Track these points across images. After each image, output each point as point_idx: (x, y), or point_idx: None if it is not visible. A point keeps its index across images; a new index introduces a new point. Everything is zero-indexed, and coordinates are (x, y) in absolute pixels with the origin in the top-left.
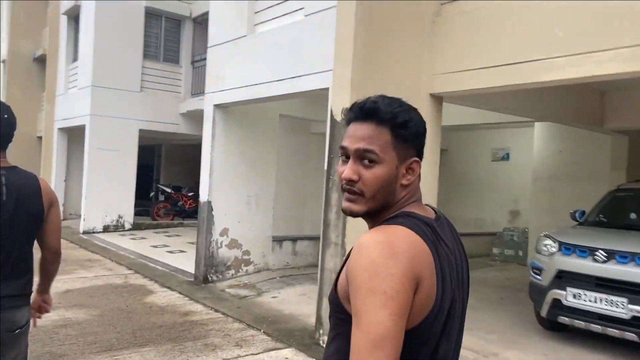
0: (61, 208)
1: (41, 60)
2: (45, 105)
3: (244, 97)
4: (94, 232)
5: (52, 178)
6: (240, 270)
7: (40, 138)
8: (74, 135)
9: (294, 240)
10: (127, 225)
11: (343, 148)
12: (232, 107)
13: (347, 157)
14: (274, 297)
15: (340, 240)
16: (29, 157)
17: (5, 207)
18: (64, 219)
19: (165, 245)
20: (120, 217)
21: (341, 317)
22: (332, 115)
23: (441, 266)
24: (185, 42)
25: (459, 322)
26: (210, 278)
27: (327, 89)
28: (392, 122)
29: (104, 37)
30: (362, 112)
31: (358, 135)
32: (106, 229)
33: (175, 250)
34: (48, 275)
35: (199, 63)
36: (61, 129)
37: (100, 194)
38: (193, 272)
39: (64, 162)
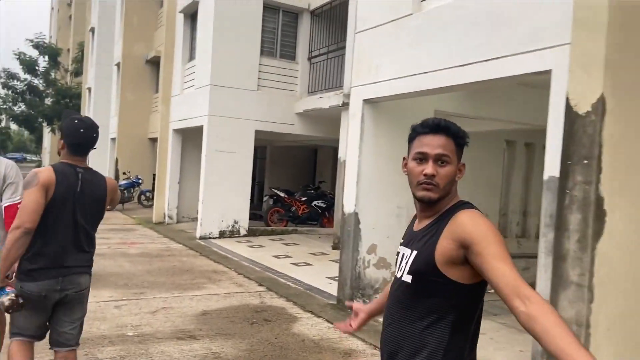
0: (175, 211)
1: (153, 62)
2: (160, 106)
3: (407, 89)
4: (210, 238)
5: (167, 180)
6: None
7: (151, 140)
8: (188, 137)
9: None
10: (242, 231)
11: (423, 153)
12: (383, 102)
13: (422, 160)
14: None
15: (586, 281)
16: (141, 159)
17: (79, 196)
18: (178, 222)
19: (287, 256)
20: (235, 222)
21: (439, 280)
22: (569, 106)
23: None
24: (302, 37)
25: None
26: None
27: (546, 72)
28: (456, 135)
29: (222, 34)
30: (437, 127)
31: (435, 144)
32: (222, 235)
33: (300, 263)
34: None
35: (316, 59)
36: (176, 130)
37: (216, 198)
38: (330, 291)
39: (178, 164)
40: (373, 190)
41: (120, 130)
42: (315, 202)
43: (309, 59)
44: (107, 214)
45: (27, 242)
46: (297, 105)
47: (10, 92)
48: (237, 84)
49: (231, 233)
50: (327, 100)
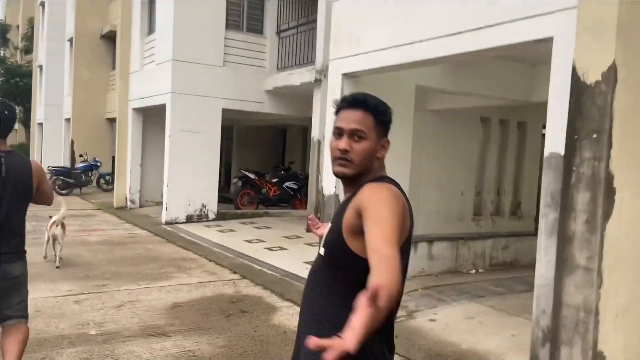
0: (137, 195)
1: (109, 38)
2: (118, 83)
3: (392, 61)
4: (176, 223)
5: (128, 162)
6: None
7: (109, 120)
8: (150, 116)
9: (430, 241)
10: (211, 215)
11: (339, 128)
12: (364, 77)
13: (340, 135)
14: (432, 319)
15: (595, 265)
16: (98, 140)
17: (4, 182)
18: (141, 207)
19: (260, 240)
20: (204, 206)
21: (345, 252)
22: (575, 76)
23: (411, 213)
24: (270, 10)
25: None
26: None
27: (546, 40)
28: (375, 110)
29: (184, 4)
30: (354, 101)
31: (351, 118)
32: (189, 219)
33: (274, 247)
34: None
35: (285, 33)
36: (136, 110)
37: (182, 180)
38: None
39: (139, 145)
40: None
41: (75, 110)
42: (286, 184)
43: (278, 32)
44: (65, 199)
45: None
46: (266, 82)
47: None
48: (201, 59)
49: (199, 217)
50: (298, 76)
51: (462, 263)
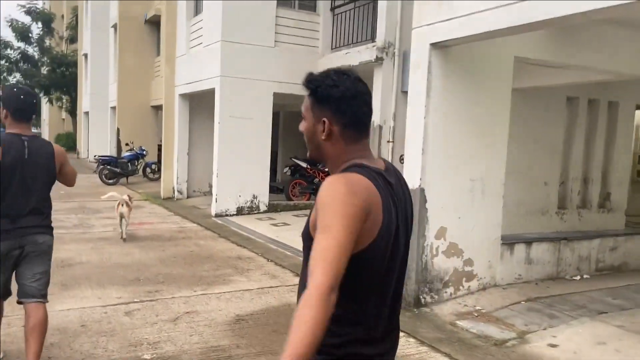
0: (185, 185)
1: (153, 22)
2: (163, 69)
3: (494, 25)
4: (227, 215)
5: (175, 151)
6: (460, 287)
7: (154, 107)
8: (197, 102)
9: (528, 243)
10: (262, 207)
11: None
12: (455, 47)
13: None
14: (552, 345)
15: None
16: (144, 128)
17: (27, 163)
18: (188, 197)
19: None
20: (254, 197)
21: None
22: None
23: (387, 203)
24: None
25: (403, 248)
26: (423, 300)
27: None
28: (308, 88)
29: None
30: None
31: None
32: (240, 211)
33: None
34: None
35: (340, 9)
36: (183, 95)
37: (232, 170)
38: None
39: (186, 133)
40: (442, 160)
41: (120, 98)
42: None
43: (332, 9)
44: (112, 188)
45: None
46: (319, 63)
47: (4, 62)
48: (251, 39)
49: (250, 209)
50: (356, 55)
51: (564, 268)
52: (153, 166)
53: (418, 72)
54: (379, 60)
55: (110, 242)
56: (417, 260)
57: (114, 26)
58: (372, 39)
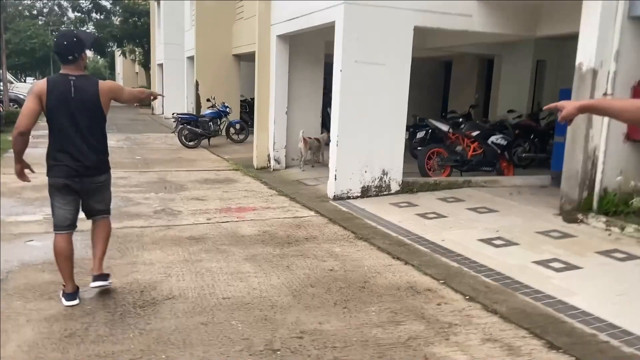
0: (283, 152)
1: None
2: (257, 4)
3: None
4: (349, 198)
5: (271, 109)
6: None
7: (235, 57)
8: (298, 47)
9: None
10: (394, 186)
11: None
12: None
13: None
14: None
15: None
16: (225, 81)
17: (73, 101)
18: (287, 167)
19: (503, 239)
20: (384, 173)
21: None
22: None
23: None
24: None
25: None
26: None
27: None
28: None
29: None
30: None
31: None
32: (365, 193)
33: (548, 260)
34: None
35: None
36: (282, 37)
37: (356, 137)
38: None
39: (285, 87)
40: None
41: (199, 47)
42: (492, 138)
43: None
44: (194, 155)
45: (23, 142)
46: None
47: (77, 14)
48: None
49: (378, 190)
50: None
51: None
52: (237, 126)
53: None
54: None
55: (206, 245)
56: None
57: None
58: None
